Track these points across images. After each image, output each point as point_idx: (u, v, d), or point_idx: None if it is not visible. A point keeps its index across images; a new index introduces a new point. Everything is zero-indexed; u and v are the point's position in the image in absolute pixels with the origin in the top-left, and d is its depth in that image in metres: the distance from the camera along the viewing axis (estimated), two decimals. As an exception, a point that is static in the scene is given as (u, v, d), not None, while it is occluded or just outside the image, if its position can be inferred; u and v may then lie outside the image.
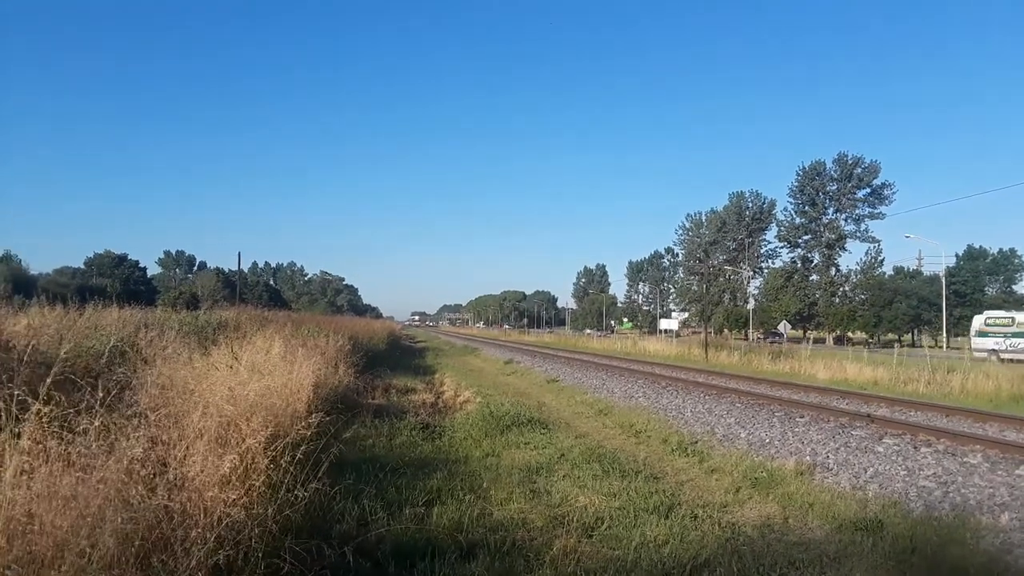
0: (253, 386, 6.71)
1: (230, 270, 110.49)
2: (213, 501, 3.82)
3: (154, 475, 3.84)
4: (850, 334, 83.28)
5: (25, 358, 4.48)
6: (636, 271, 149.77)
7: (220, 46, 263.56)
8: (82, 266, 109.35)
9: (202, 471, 4.04)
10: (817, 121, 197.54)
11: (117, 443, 3.74)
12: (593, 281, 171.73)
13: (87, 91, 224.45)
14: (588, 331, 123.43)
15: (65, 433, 3.63)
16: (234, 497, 3.91)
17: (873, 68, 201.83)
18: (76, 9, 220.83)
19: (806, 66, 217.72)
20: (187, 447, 4.30)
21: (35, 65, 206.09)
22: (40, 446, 3.43)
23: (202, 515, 3.70)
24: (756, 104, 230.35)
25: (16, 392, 3.62)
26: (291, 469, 4.56)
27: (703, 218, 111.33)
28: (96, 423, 3.69)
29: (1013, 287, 74.66)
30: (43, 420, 3.51)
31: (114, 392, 4.67)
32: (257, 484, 4.31)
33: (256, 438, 4.70)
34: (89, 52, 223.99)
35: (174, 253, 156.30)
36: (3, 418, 3.53)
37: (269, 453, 4.74)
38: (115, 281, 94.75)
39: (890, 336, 78.14)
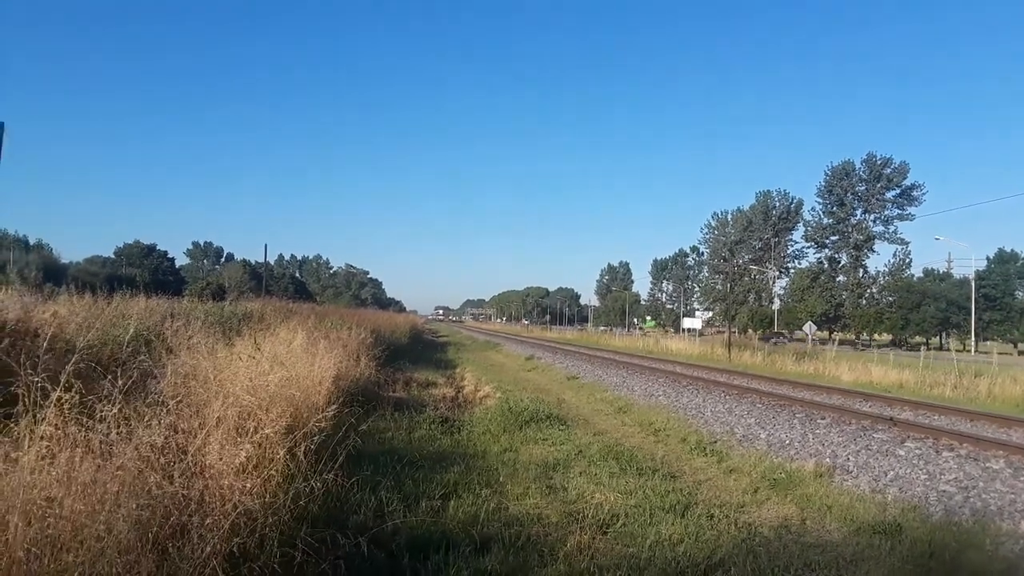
0: (273, 377, 6.79)
1: (257, 262, 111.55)
2: (229, 489, 3.88)
3: (172, 463, 3.91)
4: (876, 336, 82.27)
5: (47, 345, 4.57)
6: (660, 269, 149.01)
7: (253, 40, 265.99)
8: (112, 255, 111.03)
9: (220, 459, 4.11)
10: (847, 121, 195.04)
11: (135, 430, 3.82)
12: (616, 279, 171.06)
13: (120, 84, 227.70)
14: (603, 328, 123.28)
15: (86, 420, 3.70)
16: (250, 486, 3.97)
17: (903, 68, 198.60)
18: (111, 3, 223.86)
19: (835, 66, 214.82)
20: (206, 435, 4.36)
21: (69, 60, 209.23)
22: (61, 432, 3.51)
23: (219, 503, 3.76)
24: (785, 103, 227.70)
25: (37, 379, 3.70)
26: (308, 459, 4.62)
27: (729, 217, 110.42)
28: (115, 410, 3.76)
29: (1045, 291, 73.19)
30: (64, 407, 3.58)
31: (135, 380, 4.76)
32: (274, 474, 4.38)
33: (274, 428, 4.77)
34: (124, 43, 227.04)
35: (202, 244, 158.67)
36: (26, 404, 3.61)
37: (286, 443, 4.79)
38: (144, 271, 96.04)
39: (917, 339, 77.01)
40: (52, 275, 53.03)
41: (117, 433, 3.68)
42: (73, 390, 3.60)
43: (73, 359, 3.88)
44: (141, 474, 3.54)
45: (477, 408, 14.86)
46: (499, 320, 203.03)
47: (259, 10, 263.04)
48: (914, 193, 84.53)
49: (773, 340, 63.55)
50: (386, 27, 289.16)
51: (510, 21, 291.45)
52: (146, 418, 4.01)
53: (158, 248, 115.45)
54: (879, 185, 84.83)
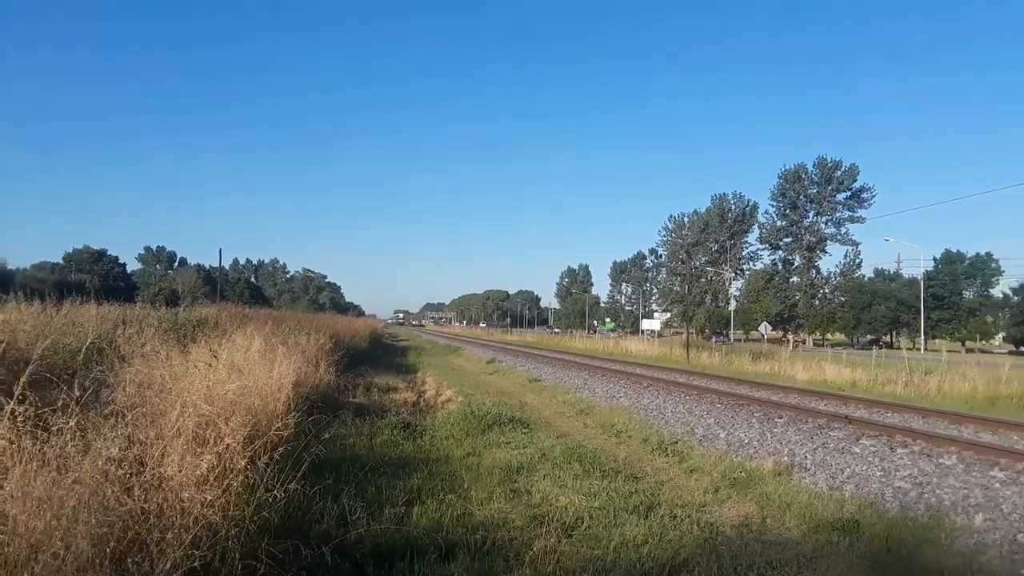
0: (231, 385, 6.65)
1: (211, 267, 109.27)
2: (190, 502, 3.78)
3: (130, 475, 3.80)
4: (828, 335, 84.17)
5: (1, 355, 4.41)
6: (619, 271, 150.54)
7: (203, 41, 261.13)
8: (61, 261, 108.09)
9: (180, 471, 4.00)
10: (801, 125, 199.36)
11: (92, 443, 3.70)
12: (576, 281, 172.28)
13: (68, 84, 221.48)
14: (557, 330, 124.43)
15: (40, 432, 3.57)
16: (211, 498, 3.87)
17: (854, 72, 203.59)
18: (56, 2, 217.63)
19: (789, 70, 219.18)
20: (164, 447, 4.25)
21: (11, 57, 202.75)
22: (14, 446, 3.38)
23: (179, 516, 3.66)
24: (740, 107, 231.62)
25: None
26: (270, 469, 4.52)
27: (686, 220, 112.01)
28: (72, 422, 3.64)
29: (990, 291, 75.68)
30: (17, 419, 3.45)
31: (91, 390, 4.61)
32: (235, 484, 4.27)
33: (234, 438, 4.66)
34: (67, 44, 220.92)
35: (155, 249, 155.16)
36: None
37: (247, 453, 4.69)
38: (94, 277, 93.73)
39: (869, 338, 79.02)
40: (-2, 282, 51.38)
41: (73, 446, 3.56)
42: (27, 402, 3.47)
43: (28, 370, 3.74)
44: (99, 488, 3.42)
45: (439, 412, 14.77)
46: (460, 323, 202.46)
47: (198, 6, 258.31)
48: (864, 195, 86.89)
49: (715, 339, 65.95)
50: (334, 30, 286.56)
51: (462, 20, 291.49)
52: (103, 430, 3.89)
53: (109, 253, 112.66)
54: (830, 187, 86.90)
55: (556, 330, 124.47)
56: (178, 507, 3.73)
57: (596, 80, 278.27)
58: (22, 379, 3.60)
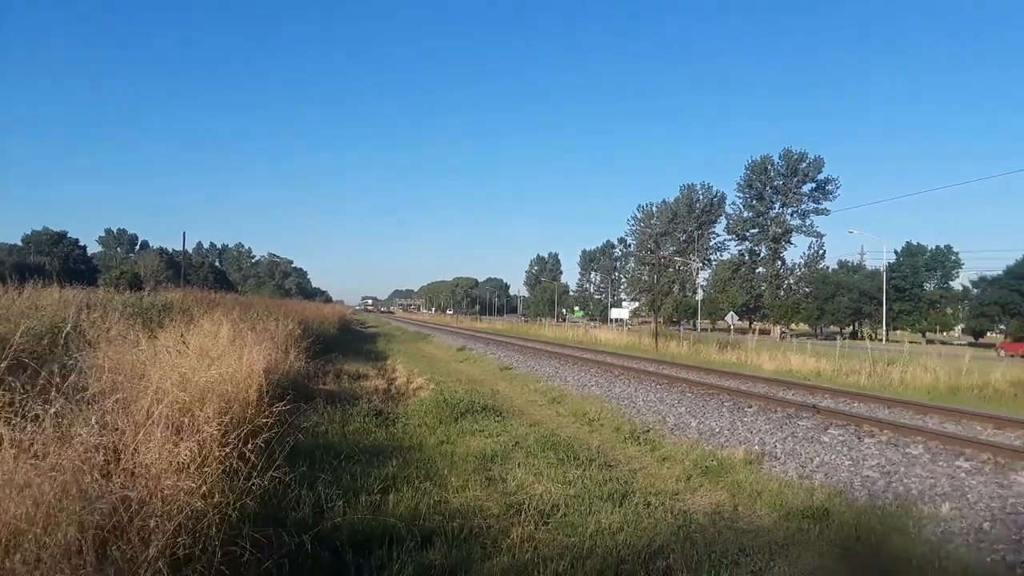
0: (211, 372, 6.54)
1: (174, 250, 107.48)
2: (172, 489, 3.71)
3: (108, 462, 3.72)
4: (793, 326, 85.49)
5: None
6: (588, 260, 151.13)
7: (170, 20, 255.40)
8: (19, 243, 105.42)
9: (159, 458, 3.92)
10: (769, 118, 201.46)
11: (70, 429, 3.61)
12: (545, 269, 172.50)
13: (30, 61, 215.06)
14: (523, 316, 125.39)
15: (17, 419, 3.47)
16: (193, 485, 3.80)
17: (821, 66, 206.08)
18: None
19: (756, 63, 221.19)
20: (142, 434, 4.16)
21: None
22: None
23: (160, 503, 3.59)
24: (708, 99, 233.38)
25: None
26: (250, 457, 4.46)
27: (654, 209, 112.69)
28: (52, 408, 3.54)
29: (950, 283, 77.33)
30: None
31: (62, 376, 4.49)
32: (214, 472, 4.21)
33: (211, 425, 4.58)
34: (28, 18, 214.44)
35: (115, 231, 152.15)
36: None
37: (227, 441, 4.62)
38: (54, 259, 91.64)
39: (832, 328, 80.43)
40: (-48, 263, 49.96)
41: (53, 432, 3.46)
42: (3, 387, 3.37)
43: (8, 354, 3.62)
44: (79, 474, 3.34)
45: (411, 400, 14.71)
46: (429, 311, 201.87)
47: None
48: (828, 187, 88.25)
49: (676, 328, 67.41)
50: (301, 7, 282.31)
51: (433, 10, 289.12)
52: (78, 416, 3.79)
53: (69, 236, 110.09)
54: (796, 179, 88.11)
55: (523, 318, 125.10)
56: (159, 495, 3.66)
57: (568, 71, 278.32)
58: (3, 364, 3.48)
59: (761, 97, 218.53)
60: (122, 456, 3.85)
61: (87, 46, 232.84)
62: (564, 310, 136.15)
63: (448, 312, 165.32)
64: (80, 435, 3.58)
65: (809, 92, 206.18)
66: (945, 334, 78.35)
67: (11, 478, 3.11)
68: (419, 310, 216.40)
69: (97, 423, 3.83)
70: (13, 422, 3.46)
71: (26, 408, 3.59)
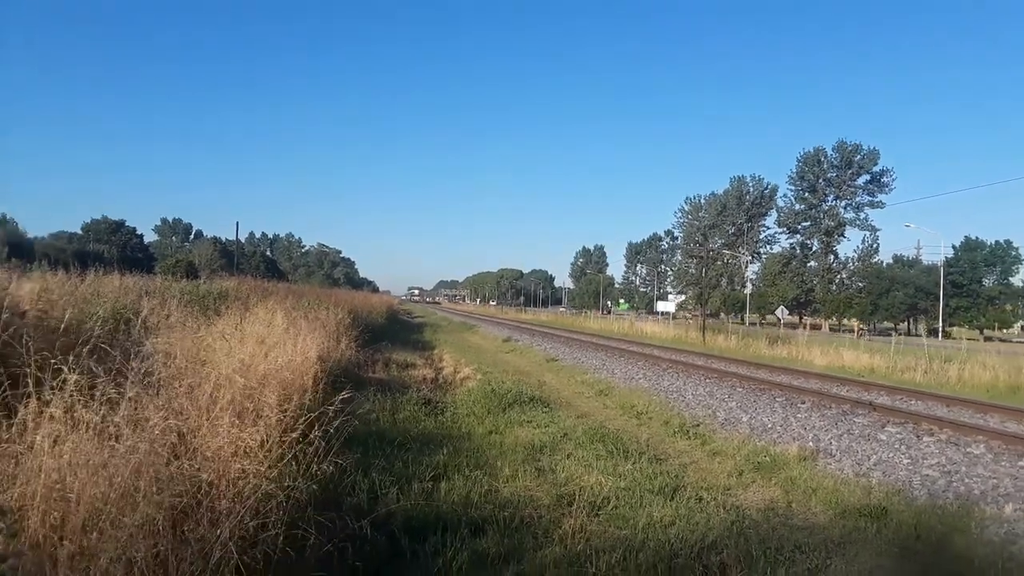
0: (263, 360, 6.69)
1: (227, 239, 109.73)
2: (242, 472, 3.82)
3: (178, 445, 3.83)
4: (845, 321, 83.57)
5: (38, 324, 4.44)
6: (635, 253, 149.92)
7: (223, 16, 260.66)
8: (79, 231, 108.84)
9: (228, 442, 4.03)
10: (821, 109, 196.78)
11: (144, 413, 3.73)
12: (591, 261, 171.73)
13: (88, 58, 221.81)
14: (562, 309, 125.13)
15: (91, 402, 3.60)
16: (263, 469, 3.90)
17: (874, 55, 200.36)
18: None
19: (810, 53, 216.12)
20: (211, 418, 4.28)
21: (35, 31, 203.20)
22: (69, 415, 3.41)
23: (229, 486, 3.70)
24: (760, 90, 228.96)
25: (36, 360, 3.61)
26: (313, 442, 4.56)
27: (703, 202, 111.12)
28: (131, 393, 3.67)
29: (1010, 279, 74.75)
30: (71, 389, 3.48)
31: (133, 360, 4.63)
32: (280, 456, 4.32)
33: (274, 411, 4.70)
34: (89, 18, 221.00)
35: (171, 220, 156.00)
36: (32, 386, 3.50)
37: (294, 426, 4.74)
38: (112, 247, 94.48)
39: (886, 324, 78.46)
40: (17, 251, 51.93)
41: (126, 415, 3.58)
42: (78, 371, 3.50)
43: (91, 339, 3.76)
44: (156, 457, 3.45)
45: (458, 390, 14.83)
46: (474, 301, 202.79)
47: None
48: (884, 179, 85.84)
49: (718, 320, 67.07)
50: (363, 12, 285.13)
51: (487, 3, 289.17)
52: (143, 400, 3.91)
53: (126, 224, 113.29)
54: (850, 172, 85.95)
55: (563, 309, 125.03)
56: (228, 477, 3.77)
57: (614, 62, 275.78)
58: (85, 348, 3.61)
59: (814, 89, 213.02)
60: (190, 439, 3.97)
61: (150, 44, 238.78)
62: (609, 302, 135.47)
63: (491, 303, 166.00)
64: (153, 419, 3.70)
65: (863, 82, 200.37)
66: (1004, 331, 75.75)
67: (89, 459, 3.23)
68: (464, 301, 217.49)
69: (166, 408, 3.96)
70: (91, 406, 3.58)
71: (102, 393, 3.71)
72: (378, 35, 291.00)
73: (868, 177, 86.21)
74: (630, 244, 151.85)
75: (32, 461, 3.11)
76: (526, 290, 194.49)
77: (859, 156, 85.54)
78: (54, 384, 3.57)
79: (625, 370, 19.79)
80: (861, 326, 76.72)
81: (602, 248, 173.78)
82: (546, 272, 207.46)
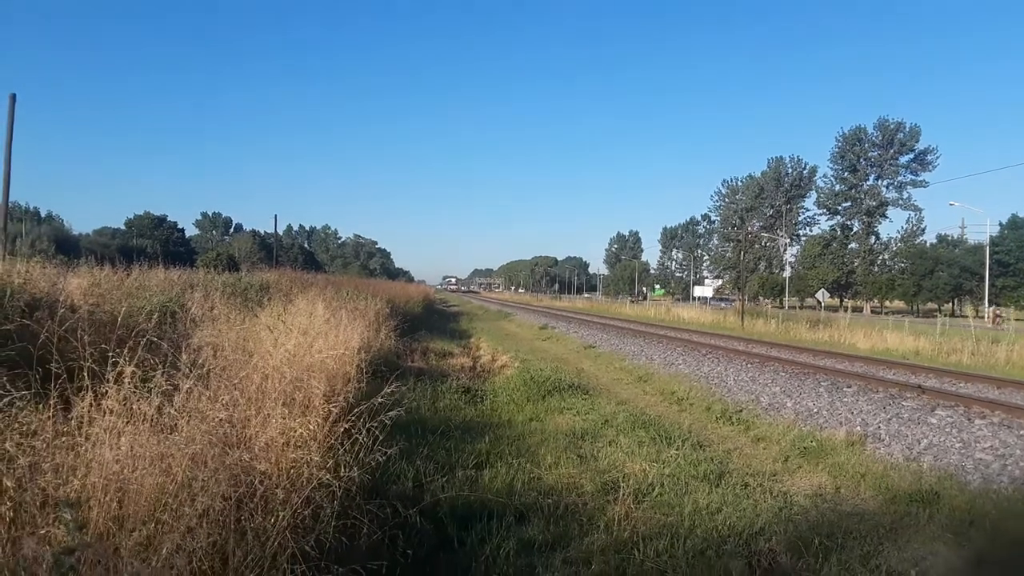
0: (310, 349, 6.77)
1: (266, 232, 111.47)
2: (297, 462, 3.88)
3: (231, 435, 3.90)
4: (887, 303, 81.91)
5: (88, 318, 4.55)
6: (670, 237, 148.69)
7: (261, 14, 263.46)
8: (122, 227, 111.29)
9: (281, 433, 4.09)
10: (860, 87, 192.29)
11: (198, 404, 3.81)
12: (625, 247, 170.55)
13: (127, 52, 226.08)
14: (587, 295, 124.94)
15: (145, 394, 3.68)
16: (316, 459, 3.96)
17: (916, 30, 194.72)
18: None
19: (847, 27, 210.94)
20: (258, 410, 4.34)
21: (76, 30, 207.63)
22: (126, 407, 3.49)
23: (285, 477, 3.76)
24: (797, 68, 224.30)
25: (92, 353, 3.69)
26: (363, 431, 4.60)
27: (740, 184, 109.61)
28: (187, 385, 3.74)
29: (1058, 257, 72.34)
30: (126, 381, 3.56)
31: (184, 353, 4.73)
32: (329, 447, 4.38)
33: (321, 401, 4.75)
34: (129, 7, 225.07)
35: (211, 215, 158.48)
36: (85, 378, 3.59)
37: (347, 417, 4.79)
38: (155, 242, 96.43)
39: (930, 305, 76.68)
40: (63, 247, 53.30)
41: (183, 407, 3.66)
42: (133, 364, 3.57)
43: (142, 332, 3.84)
44: (213, 447, 3.52)
45: (497, 378, 14.89)
46: (509, 290, 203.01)
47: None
48: (927, 157, 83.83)
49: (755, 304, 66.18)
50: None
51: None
52: (195, 391, 3.99)
53: (168, 219, 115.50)
54: (892, 150, 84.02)
55: (588, 296, 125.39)
56: (284, 468, 3.83)
57: (647, 44, 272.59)
58: (141, 341, 3.70)
59: (853, 67, 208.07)
60: (242, 430, 4.03)
61: (193, 43, 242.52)
62: (644, 288, 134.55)
63: (519, 290, 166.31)
64: (208, 410, 3.77)
65: (907, 54, 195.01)
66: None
67: (147, 451, 3.30)
68: (499, 289, 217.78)
69: (217, 399, 4.03)
70: (147, 398, 3.66)
71: (156, 385, 3.79)
72: (406, 33, 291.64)
73: (911, 156, 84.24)
74: (665, 229, 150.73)
75: (91, 452, 3.19)
76: (560, 277, 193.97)
77: (901, 134, 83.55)
78: (110, 377, 3.64)
79: (664, 356, 19.64)
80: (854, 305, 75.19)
81: (637, 234, 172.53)
82: (580, 259, 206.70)
